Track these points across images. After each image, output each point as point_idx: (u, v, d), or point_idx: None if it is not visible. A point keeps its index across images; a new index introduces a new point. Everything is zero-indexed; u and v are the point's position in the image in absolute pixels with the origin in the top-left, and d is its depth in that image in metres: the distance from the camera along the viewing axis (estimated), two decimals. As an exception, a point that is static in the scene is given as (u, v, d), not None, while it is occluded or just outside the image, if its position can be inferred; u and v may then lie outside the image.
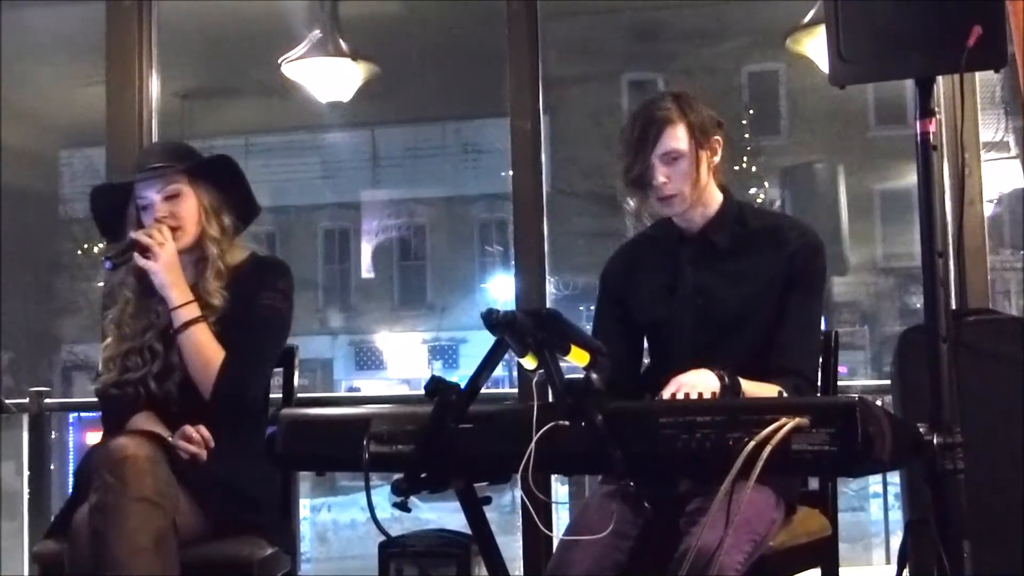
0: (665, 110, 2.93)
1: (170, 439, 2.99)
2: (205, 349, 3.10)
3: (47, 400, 4.62)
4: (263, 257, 3.35)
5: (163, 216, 3.15)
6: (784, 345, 2.89)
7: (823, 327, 3.09)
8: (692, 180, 2.93)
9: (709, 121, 2.96)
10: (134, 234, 3.12)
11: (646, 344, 3.11)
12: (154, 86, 4.56)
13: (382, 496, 2.29)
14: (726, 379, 2.63)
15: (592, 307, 3.15)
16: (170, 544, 2.75)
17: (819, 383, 3.03)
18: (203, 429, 3.03)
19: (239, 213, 3.30)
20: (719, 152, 2.99)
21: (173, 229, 3.14)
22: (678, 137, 2.91)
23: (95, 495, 2.74)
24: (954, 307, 3.78)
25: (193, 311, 3.11)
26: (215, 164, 3.28)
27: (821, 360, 3.04)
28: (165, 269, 3.10)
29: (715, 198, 3.01)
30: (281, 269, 3.30)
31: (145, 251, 3.09)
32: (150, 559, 2.69)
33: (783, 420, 2.01)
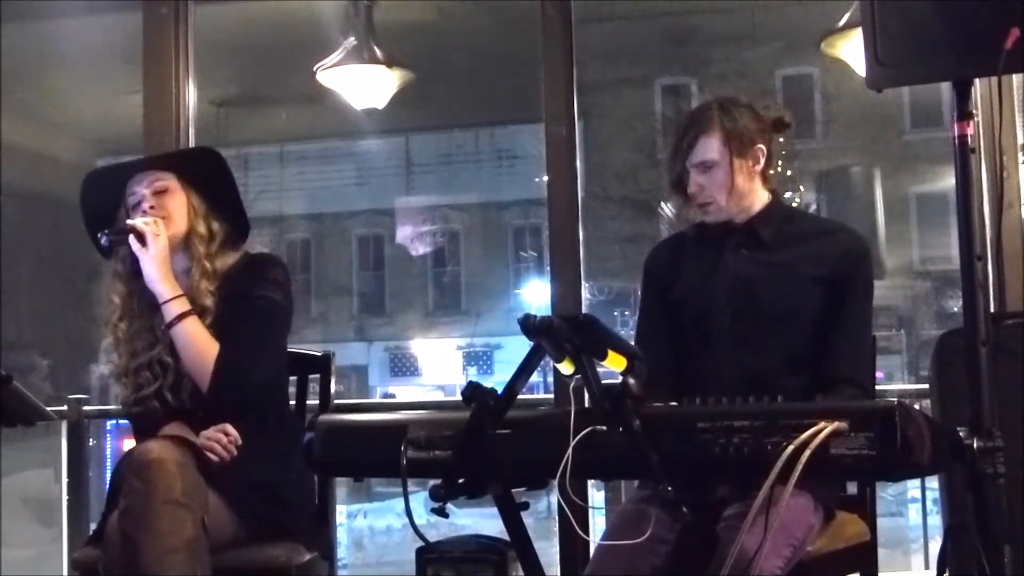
0: (704, 120, 2.95)
1: (196, 441, 2.99)
2: (198, 342, 3.07)
3: (85, 407, 4.65)
4: (255, 254, 3.31)
5: (151, 207, 3.15)
6: (838, 354, 2.88)
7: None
8: (727, 189, 2.93)
9: (750, 130, 2.96)
10: (132, 220, 3.12)
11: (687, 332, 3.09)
12: (191, 94, 4.58)
13: (418, 502, 2.29)
14: None
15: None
16: (201, 546, 2.75)
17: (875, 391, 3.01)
18: (229, 427, 3.03)
19: (232, 225, 3.27)
20: (761, 160, 2.98)
21: (162, 220, 3.13)
22: (711, 147, 2.93)
23: (124, 500, 2.75)
24: (992, 310, 3.75)
25: (183, 305, 3.09)
26: (199, 155, 3.31)
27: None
28: (157, 261, 3.08)
29: (760, 199, 3.01)
30: (272, 261, 3.27)
31: (140, 237, 3.09)
32: (182, 561, 2.70)
33: (821, 424, 2.00)
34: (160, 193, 3.17)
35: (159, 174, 3.20)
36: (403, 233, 23.46)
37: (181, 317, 3.08)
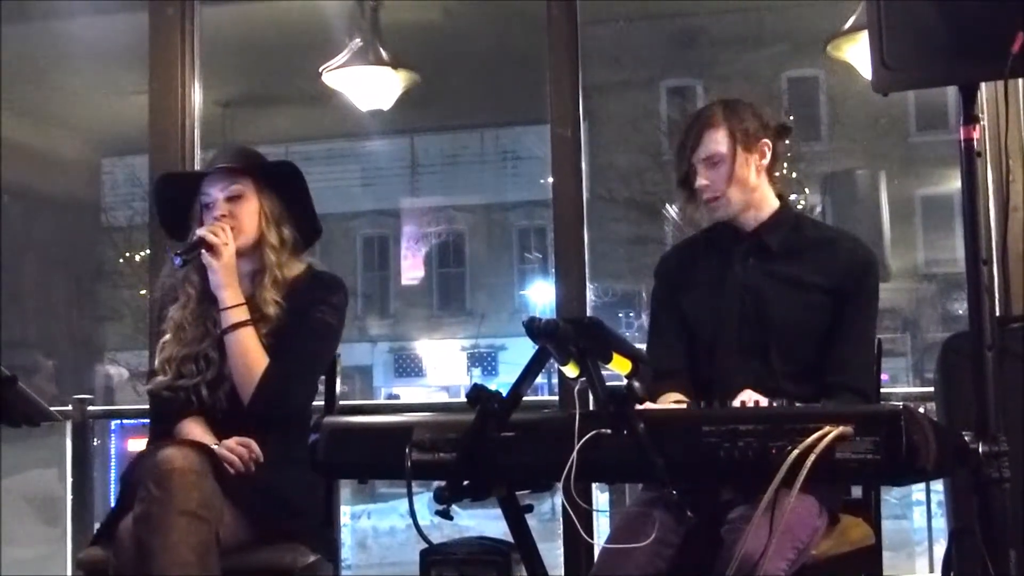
0: (708, 116, 2.99)
1: (217, 449, 3.00)
2: (250, 353, 3.12)
3: (90, 408, 4.66)
4: (320, 272, 3.36)
5: (222, 215, 3.17)
6: (840, 362, 2.89)
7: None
8: (735, 182, 2.94)
9: (756, 128, 2.98)
10: (201, 231, 3.14)
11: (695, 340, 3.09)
12: (196, 94, 4.58)
13: (422, 502, 2.29)
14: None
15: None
16: (213, 557, 2.77)
17: (878, 399, 3.01)
18: (254, 445, 3.05)
19: (301, 230, 3.31)
20: (767, 155, 3.00)
21: (231, 229, 3.15)
22: (717, 141, 2.96)
23: (140, 506, 2.75)
24: (997, 314, 3.74)
25: (242, 314, 3.13)
26: (279, 168, 3.30)
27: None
28: (224, 269, 3.12)
29: (769, 203, 3.03)
30: (336, 284, 3.32)
31: (210, 249, 3.11)
32: (193, 572, 2.71)
33: (827, 428, 2.00)
34: (234, 199, 3.20)
35: (235, 177, 3.21)
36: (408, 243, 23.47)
37: (237, 326, 3.12)
